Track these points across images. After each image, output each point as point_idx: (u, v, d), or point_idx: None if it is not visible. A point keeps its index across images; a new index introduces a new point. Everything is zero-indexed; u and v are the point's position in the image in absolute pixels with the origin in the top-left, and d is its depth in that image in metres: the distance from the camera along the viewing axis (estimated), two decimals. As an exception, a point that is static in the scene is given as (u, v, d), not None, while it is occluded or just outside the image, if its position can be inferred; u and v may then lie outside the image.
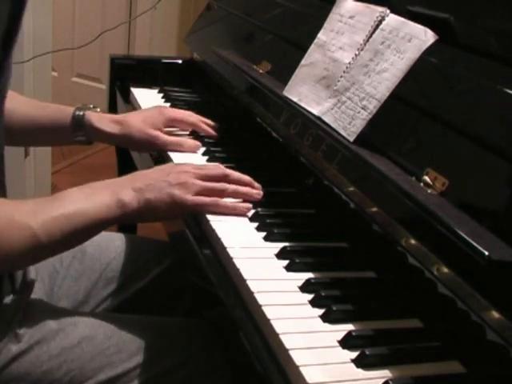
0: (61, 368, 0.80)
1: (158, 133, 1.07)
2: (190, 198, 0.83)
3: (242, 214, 0.86)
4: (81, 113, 1.05)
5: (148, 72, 1.50)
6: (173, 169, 0.87)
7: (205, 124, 1.16)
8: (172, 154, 1.06)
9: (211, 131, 1.15)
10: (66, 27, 3.18)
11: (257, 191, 0.89)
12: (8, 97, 1.03)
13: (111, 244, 1.06)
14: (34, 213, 0.75)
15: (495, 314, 0.58)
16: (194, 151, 1.09)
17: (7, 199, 0.79)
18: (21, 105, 1.04)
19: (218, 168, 0.89)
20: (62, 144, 1.09)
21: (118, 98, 1.47)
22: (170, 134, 1.12)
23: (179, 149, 1.08)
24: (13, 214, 0.74)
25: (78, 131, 1.05)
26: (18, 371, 0.79)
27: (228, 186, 0.87)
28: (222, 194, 0.87)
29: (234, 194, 0.88)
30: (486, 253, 0.58)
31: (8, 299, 0.83)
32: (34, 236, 0.73)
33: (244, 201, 0.88)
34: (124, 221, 0.83)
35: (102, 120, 1.07)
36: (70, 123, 1.05)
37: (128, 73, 1.47)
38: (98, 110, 1.12)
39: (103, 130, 1.06)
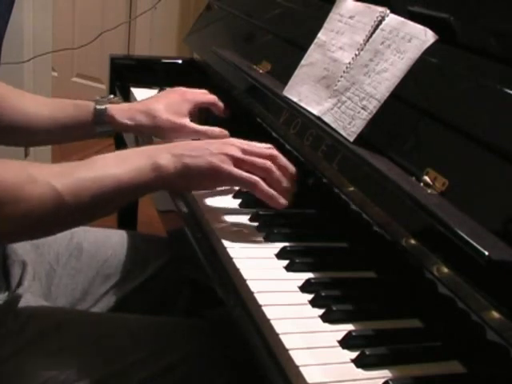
0: (56, 367, 0.79)
1: (184, 122, 1.02)
2: (228, 168, 0.80)
3: (275, 205, 0.81)
4: (102, 107, 1.02)
5: (148, 72, 1.50)
6: (218, 140, 0.86)
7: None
8: None
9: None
10: (66, 27, 3.18)
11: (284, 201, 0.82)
12: (28, 99, 1.04)
13: (108, 240, 1.06)
14: (59, 174, 0.74)
15: (495, 314, 0.58)
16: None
17: (29, 162, 0.77)
18: (41, 107, 1.03)
19: (266, 148, 0.85)
20: (86, 138, 1.07)
21: (118, 98, 1.47)
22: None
23: (206, 138, 1.02)
24: (34, 173, 0.72)
25: (100, 126, 1.03)
26: (12, 370, 0.79)
27: (274, 170, 0.81)
28: (265, 173, 0.81)
29: (276, 183, 0.82)
30: (486, 253, 0.58)
31: (2, 297, 0.83)
32: (58, 196, 0.71)
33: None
34: (159, 186, 0.81)
35: (125, 113, 1.03)
36: (92, 119, 1.02)
37: (128, 73, 1.47)
38: (117, 98, 1.10)
39: (128, 124, 1.03)
